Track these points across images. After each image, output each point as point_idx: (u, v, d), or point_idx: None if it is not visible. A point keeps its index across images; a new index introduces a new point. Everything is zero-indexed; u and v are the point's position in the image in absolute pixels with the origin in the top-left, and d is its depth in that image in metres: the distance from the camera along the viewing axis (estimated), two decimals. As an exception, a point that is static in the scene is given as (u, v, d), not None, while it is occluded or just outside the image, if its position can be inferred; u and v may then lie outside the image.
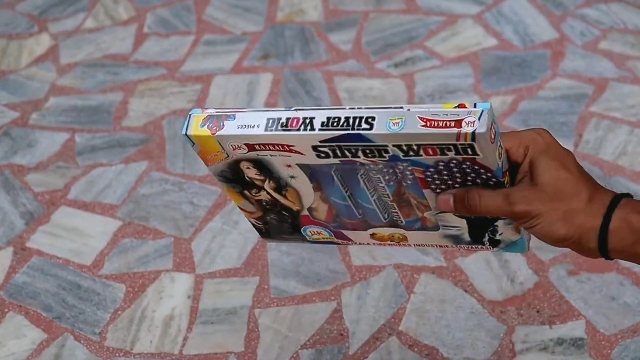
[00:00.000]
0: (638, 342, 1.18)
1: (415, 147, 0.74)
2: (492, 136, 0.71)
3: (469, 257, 1.31)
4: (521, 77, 1.64)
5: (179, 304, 1.27)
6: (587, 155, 1.46)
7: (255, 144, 0.78)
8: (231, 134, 0.77)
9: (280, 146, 0.78)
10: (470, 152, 0.72)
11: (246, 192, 0.83)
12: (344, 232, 0.83)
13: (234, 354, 1.20)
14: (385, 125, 0.72)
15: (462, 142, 0.71)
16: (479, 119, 0.69)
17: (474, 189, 0.75)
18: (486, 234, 0.80)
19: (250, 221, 0.87)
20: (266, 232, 0.87)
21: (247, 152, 0.80)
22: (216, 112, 0.77)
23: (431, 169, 0.75)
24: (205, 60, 1.73)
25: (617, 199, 0.73)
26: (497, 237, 0.79)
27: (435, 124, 0.71)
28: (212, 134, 0.78)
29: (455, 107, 0.71)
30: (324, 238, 0.84)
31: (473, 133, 0.70)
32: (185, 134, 0.78)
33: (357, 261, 1.31)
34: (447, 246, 0.85)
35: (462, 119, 0.70)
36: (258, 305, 1.26)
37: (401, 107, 0.73)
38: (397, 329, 1.21)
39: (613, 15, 1.78)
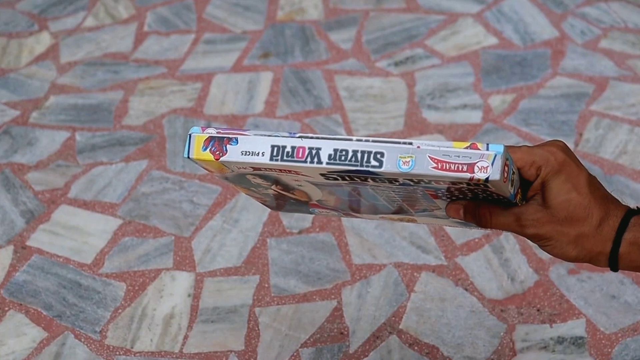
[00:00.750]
0: (638, 340, 1.18)
1: (426, 180, 0.72)
2: (505, 176, 0.70)
3: (470, 255, 1.31)
4: (521, 76, 1.64)
5: (180, 302, 1.27)
6: (587, 154, 1.46)
7: (262, 169, 0.78)
8: (236, 160, 0.76)
9: (287, 171, 0.77)
10: (482, 187, 0.71)
11: (252, 189, 0.84)
12: (353, 213, 0.85)
13: (235, 353, 1.20)
14: (395, 163, 0.71)
15: (475, 181, 0.69)
16: (492, 164, 0.68)
17: (485, 205, 0.75)
18: None
19: (256, 200, 0.90)
20: (275, 207, 0.90)
21: (253, 171, 0.79)
22: (217, 133, 0.76)
23: (442, 190, 0.74)
24: (206, 59, 1.73)
25: (627, 219, 0.73)
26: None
27: (447, 167, 0.69)
28: (216, 159, 0.77)
29: (467, 148, 0.69)
30: (332, 215, 0.88)
31: (486, 179, 0.68)
32: (188, 157, 0.77)
33: (358, 260, 1.31)
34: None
35: (475, 163, 0.68)
36: (258, 303, 1.26)
37: (410, 144, 0.70)
38: (398, 328, 1.21)
39: (613, 14, 1.78)
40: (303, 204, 0.85)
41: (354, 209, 0.84)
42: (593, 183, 0.74)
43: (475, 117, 1.56)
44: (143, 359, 1.20)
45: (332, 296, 1.26)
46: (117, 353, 1.21)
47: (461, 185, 0.71)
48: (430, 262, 1.30)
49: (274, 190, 0.82)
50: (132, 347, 1.21)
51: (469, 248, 1.32)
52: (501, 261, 1.30)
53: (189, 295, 1.28)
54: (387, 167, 0.71)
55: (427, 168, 0.69)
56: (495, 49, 1.71)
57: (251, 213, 1.40)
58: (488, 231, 1.34)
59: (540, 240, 0.74)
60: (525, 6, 1.81)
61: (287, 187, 0.82)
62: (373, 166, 0.72)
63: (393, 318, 1.23)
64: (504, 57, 1.69)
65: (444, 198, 0.75)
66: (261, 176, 0.80)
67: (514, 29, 1.76)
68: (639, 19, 1.76)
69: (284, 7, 1.86)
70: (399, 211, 0.82)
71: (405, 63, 1.69)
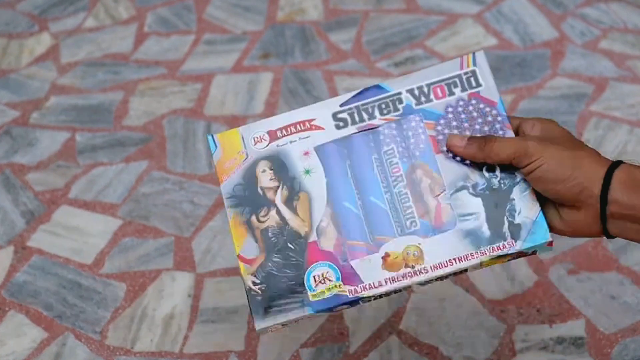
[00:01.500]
0: (638, 341, 1.18)
1: (425, 90, 0.84)
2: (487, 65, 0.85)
3: (469, 256, 1.31)
4: (521, 77, 1.64)
5: (180, 302, 1.27)
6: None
7: (277, 130, 0.85)
8: (254, 125, 0.85)
9: (302, 124, 0.85)
10: (474, 84, 0.85)
11: (253, 218, 0.83)
12: (353, 265, 0.81)
13: (235, 353, 1.20)
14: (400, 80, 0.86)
15: (465, 69, 0.85)
16: (473, 56, 0.86)
17: (491, 135, 0.82)
18: (505, 219, 0.81)
19: (247, 286, 0.82)
20: (263, 299, 0.82)
21: (267, 145, 0.84)
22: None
23: (441, 121, 0.83)
24: (206, 59, 1.74)
25: (619, 162, 0.78)
26: (517, 218, 0.81)
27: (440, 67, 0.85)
28: (236, 128, 0.85)
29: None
30: (329, 288, 0.81)
31: (473, 54, 0.85)
32: (210, 134, 0.85)
33: (358, 260, 1.31)
34: (464, 268, 0.82)
35: (462, 58, 0.86)
36: (258, 304, 1.26)
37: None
38: (397, 328, 1.22)
39: (613, 14, 1.78)
40: (302, 252, 0.82)
41: (353, 250, 0.83)
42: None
43: (475, 117, 1.56)
44: (143, 359, 1.20)
45: (332, 296, 1.26)
46: (118, 353, 1.21)
47: (457, 96, 0.84)
48: (430, 262, 1.30)
49: (275, 216, 0.83)
50: (132, 348, 1.22)
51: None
52: (501, 261, 1.30)
53: (189, 296, 1.28)
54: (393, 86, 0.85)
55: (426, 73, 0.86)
56: (495, 49, 1.71)
57: (251, 213, 1.40)
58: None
59: (540, 156, 0.77)
60: (525, 7, 1.81)
61: (292, 192, 0.83)
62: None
63: (393, 318, 1.23)
64: (504, 57, 1.69)
65: (444, 148, 0.83)
66: (272, 161, 0.84)
67: (513, 29, 1.76)
68: (639, 20, 1.76)
69: (284, 7, 1.86)
70: (404, 233, 0.83)
71: (405, 64, 1.69)
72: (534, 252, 0.82)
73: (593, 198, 0.76)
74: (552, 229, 0.82)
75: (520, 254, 0.82)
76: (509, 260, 0.82)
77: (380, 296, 0.82)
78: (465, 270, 0.82)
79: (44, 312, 1.27)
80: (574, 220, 0.79)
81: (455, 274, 0.83)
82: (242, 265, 0.83)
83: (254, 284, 0.82)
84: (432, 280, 0.83)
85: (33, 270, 1.33)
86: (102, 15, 1.88)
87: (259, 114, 1.59)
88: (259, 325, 0.81)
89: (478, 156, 0.81)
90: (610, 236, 0.79)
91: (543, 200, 0.82)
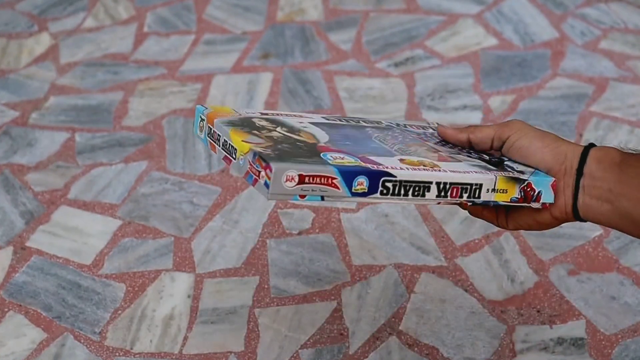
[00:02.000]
0: (638, 341, 1.18)
1: (402, 124, 0.92)
2: None
3: (469, 256, 1.31)
4: (521, 77, 1.64)
5: (179, 303, 1.27)
6: (587, 155, 1.46)
7: (270, 114, 0.86)
8: (246, 109, 0.86)
9: (294, 116, 0.86)
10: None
11: (255, 131, 0.79)
12: (370, 157, 0.78)
13: (234, 354, 1.20)
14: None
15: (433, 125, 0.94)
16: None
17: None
18: (508, 168, 0.84)
19: (254, 150, 0.74)
20: (276, 157, 0.73)
21: (260, 115, 0.85)
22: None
23: (422, 136, 0.90)
24: (206, 59, 1.73)
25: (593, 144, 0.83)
26: (518, 169, 0.84)
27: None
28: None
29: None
30: (350, 162, 0.75)
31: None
32: (201, 105, 0.87)
33: (357, 261, 1.31)
34: (479, 182, 0.80)
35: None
36: (258, 304, 1.26)
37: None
38: (397, 329, 1.21)
39: (613, 14, 1.78)
40: (312, 147, 0.78)
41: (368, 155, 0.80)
42: None
43: (475, 117, 1.56)
44: (143, 359, 1.20)
45: (332, 297, 1.26)
46: (117, 354, 1.21)
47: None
48: (430, 263, 1.30)
49: (279, 133, 0.80)
50: (131, 348, 1.21)
51: (469, 249, 1.32)
52: (501, 262, 1.30)
53: (189, 296, 1.28)
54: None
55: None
56: (495, 49, 1.71)
57: (251, 214, 1.40)
58: (487, 231, 1.34)
59: (518, 129, 0.84)
60: (525, 7, 1.81)
61: (292, 129, 0.82)
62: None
63: (393, 319, 1.23)
64: (504, 57, 1.69)
65: (429, 143, 0.87)
66: (267, 119, 0.84)
67: (513, 29, 1.76)
68: (639, 20, 1.76)
69: (284, 7, 1.86)
70: (419, 155, 0.83)
71: (405, 64, 1.69)
72: (538, 198, 0.82)
73: (572, 170, 0.81)
74: (530, 220, 0.85)
75: (528, 196, 0.82)
76: (516, 204, 0.82)
77: (399, 190, 0.75)
78: (479, 193, 0.80)
79: (43, 312, 1.27)
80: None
81: (469, 195, 0.80)
82: (246, 145, 0.74)
83: (266, 149, 0.74)
84: (450, 185, 0.78)
85: (32, 271, 1.33)
86: (102, 15, 1.88)
87: (258, 114, 1.59)
88: (276, 165, 0.69)
89: (463, 137, 0.87)
90: (578, 216, 0.82)
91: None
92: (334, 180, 0.72)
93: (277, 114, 0.86)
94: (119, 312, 1.26)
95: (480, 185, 0.80)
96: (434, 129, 0.93)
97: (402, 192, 0.76)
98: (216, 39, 1.79)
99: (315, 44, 1.76)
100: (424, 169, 0.77)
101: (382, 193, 0.75)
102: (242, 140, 0.75)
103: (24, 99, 1.67)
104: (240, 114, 0.84)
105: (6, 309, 1.28)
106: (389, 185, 0.75)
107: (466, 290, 1.26)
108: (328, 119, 0.88)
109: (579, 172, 0.80)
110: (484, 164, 0.84)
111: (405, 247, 1.33)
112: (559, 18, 1.78)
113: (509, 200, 0.81)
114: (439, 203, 0.78)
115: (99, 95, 1.66)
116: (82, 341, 1.23)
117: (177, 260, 1.33)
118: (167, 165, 1.50)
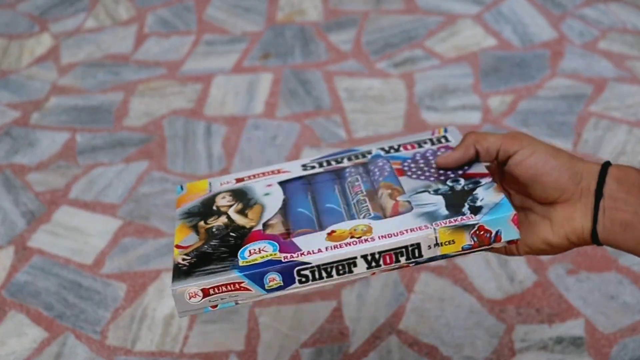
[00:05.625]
0: (637, 340, 1.18)
1: (395, 146, 0.85)
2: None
3: (469, 256, 1.31)
4: (520, 77, 1.64)
5: (180, 302, 1.27)
6: (586, 155, 1.46)
7: (246, 177, 0.85)
8: (224, 176, 0.86)
9: (270, 172, 0.85)
10: (444, 141, 0.85)
11: (201, 223, 0.80)
12: (294, 240, 0.75)
13: (235, 353, 1.20)
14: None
15: (436, 135, 0.86)
16: (445, 129, 0.87)
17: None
18: (465, 203, 0.76)
19: (176, 261, 0.75)
20: (186, 269, 0.74)
21: (234, 185, 0.85)
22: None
23: (408, 160, 0.84)
24: (206, 60, 1.74)
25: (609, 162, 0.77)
26: (478, 203, 0.76)
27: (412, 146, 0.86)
28: (206, 179, 0.86)
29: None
30: (263, 257, 0.73)
31: (445, 129, 0.86)
32: (180, 185, 0.86)
33: (357, 260, 1.31)
34: (415, 241, 0.74)
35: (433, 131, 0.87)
36: (258, 304, 1.26)
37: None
38: (397, 328, 1.22)
39: (612, 15, 1.78)
40: (242, 236, 0.77)
41: (298, 233, 0.78)
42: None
43: (475, 118, 1.56)
44: (143, 359, 1.20)
45: (332, 296, 1.26)
46: (118, 353, 1.21)
47: (426, 148, 0.85)
48: (430, 262, 1.31)
49: (225, 219, 0.79)
50: (132, 348, 1.22)
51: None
52: (500, 261, 1.30)
53: (189, 296, 1.28)
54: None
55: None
56: (494, 50, 1.71)
57: (251, 214, 1.40)
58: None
59: (530, 144, 0.76)
60: (524, 7, 1.82)
61: (245, 206, 0.81)
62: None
63: (392, 318, 1.23)
64: (503, 58, 1.69)
65: (409, 173, 0.82)
66: (234, 192, 0.84)
67: (512, 30, 1.76)
68: (638, 20, 1.76)
69: (283, 8, 1.87)
70: (355, 219, 0.78)
71: (405, 64, 1.70)
72: (498, 238, 0.74)
73: (590, 191, 0.74)
74: (543, 245, 0.78)
75: (484, 240, 0.74)
76: (472, 251, 0.75)
77: (320, 274, 0.72)
78: (418, 252, 0.74)
79: (45, 312, 1.27)
80: (566, 219, 0.76)
81: (407, 257, 0.74)
82: (176, 250, 0.76)
83: (184, 259, 0.75)
84: (380, 253, 0.73)
85: (33, 271, 1.33)
86: (103, 16, 1.88)
87: (258, 114, 1.60)
88: (175, 286, 0.71)
89: (470, 152, 0.79)
90: (596, 240, 0.75)
91: (533, 219, 0.79)
92: (241, 284, 0.72)
93: (252, 176, 0.84)
94: (120, 311, 1.27)
95: (418, 244, 0.74)
96: (438, 139, 0.85)
97: (325, 275, 0.72)
98: (216, 39, 1.80)
99: (315, 44, 1.76)
100: (348, 243, 0.73)
101: (301, 282, 0.72)
102: (176, 245, 0.76)
103: (25, 99, 1.67)
104: (211, 190, 0.82)
105: (7, 308, 1.28)
106: (307, 272, 0.72)
107: (465, 290, 1.26)
108: (306, 167, 0.84)
109: (598, 194, 0.73)
110: (442, 206, 0.76)
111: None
112: (558, 18, 1.78)
113: (460, 250, 0.74)
114: (373, 274, 0.74)
115: (99, 95, 1.67)
116: (83, 340, 1.23)
117: (178, 259, 1.34)
118: (167, 165, 1.50)
